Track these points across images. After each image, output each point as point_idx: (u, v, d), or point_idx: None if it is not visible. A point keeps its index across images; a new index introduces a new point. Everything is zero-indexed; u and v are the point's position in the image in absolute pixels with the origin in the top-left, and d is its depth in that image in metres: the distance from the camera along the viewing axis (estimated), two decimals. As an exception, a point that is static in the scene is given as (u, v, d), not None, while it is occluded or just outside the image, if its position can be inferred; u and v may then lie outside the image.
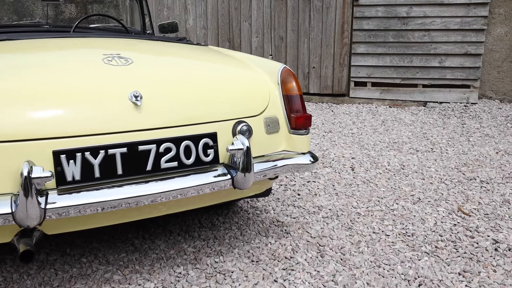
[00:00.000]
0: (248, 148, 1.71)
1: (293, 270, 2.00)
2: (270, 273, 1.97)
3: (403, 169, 3.43)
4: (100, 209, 1.51)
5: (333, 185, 3.07)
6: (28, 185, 1.37)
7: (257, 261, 2.07)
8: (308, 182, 3.12)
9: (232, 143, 1.71)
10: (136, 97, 1.62)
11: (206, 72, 1.92)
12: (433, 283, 1.89)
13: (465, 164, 3.52)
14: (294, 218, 2.54)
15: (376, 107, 5.76)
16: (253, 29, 6.23)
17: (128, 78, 1.70)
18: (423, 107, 5.74)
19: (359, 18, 5.83)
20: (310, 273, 1.97)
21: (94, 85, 1.64)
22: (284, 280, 1.92)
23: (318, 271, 1.99)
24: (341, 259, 2.09)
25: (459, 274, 1.96)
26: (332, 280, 1.92)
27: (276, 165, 1.85)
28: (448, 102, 5.79)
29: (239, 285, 1.89)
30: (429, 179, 3.19)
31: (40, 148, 1.47)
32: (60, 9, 6.66)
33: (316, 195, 2.89)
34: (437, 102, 5.84)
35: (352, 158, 3.70)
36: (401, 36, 5.77)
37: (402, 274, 1.96)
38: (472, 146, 4.06)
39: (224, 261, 2.07)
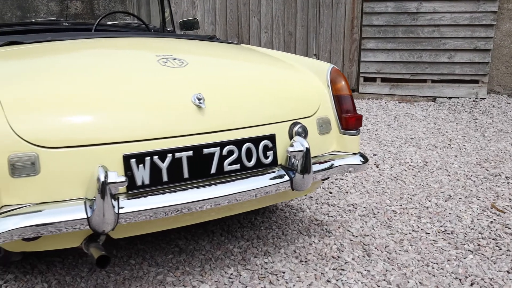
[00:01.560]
0: (308, 150, 1.71)
1: (343, 270, 2.01)
2: (321, 273, 1.99)
3: (426, 165, 3.45)
4: (169, 213, 1.50)
5: (362, 183, 3.08)
6: (105, 190, 1.36)
7: (305, 261, 2.08)
8: (336, 179, 3.13)
9: (292, 145, 1.71)
10: (199, 99, 1.61)
11: (259, 73, 1.92)
12: (484, 282, 1.92)
13: (486, 160, 3.56)
14: (332, 216, 2.56)
15: (385, 103, 5.78)
16: (262, 24, 6.21)
17: (188, 81, 1.69)
18: (432, 102, 5.78)
19: (368, 13, 5.83)
20: (361, 273, 1.99)
21: (157, 88, 1.62)
22: (337, 280, 1.93)
23: (368, 271, 2.00)
24: (388, 258, 2.10)
25: (508, 272, 1.99)
26: (384, 280, 1.93)
27: (332, 165, 1.85)
28: (457, 97, 5.84)
29: (293, 285, 1.90)
30: (455, 175, 3.22)
31: (111, 153, 1.46)
32: (65, 4, 6.56)
33: (347, 193, 2.90)
34: (446, 97, 5.88)
35: (374, 154, 3.72)
36: (410, 32, 5.80)
37: (452, 273, 1.98)
38: (488, 141, 4.10)
39: (273, 262, 2.07)
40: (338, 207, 2.69)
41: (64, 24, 3.54)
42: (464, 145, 4.00)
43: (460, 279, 1.94)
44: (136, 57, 1.88)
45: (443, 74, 5.84)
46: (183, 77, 1.71)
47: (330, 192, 2.91)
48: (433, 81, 5.90)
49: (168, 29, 3.81)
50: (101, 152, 1.45)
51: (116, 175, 1.39)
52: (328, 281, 1.93)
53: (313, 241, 2.27)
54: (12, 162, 1.36)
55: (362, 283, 1.92)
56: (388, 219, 2.52)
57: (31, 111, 1.43)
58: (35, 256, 2.06)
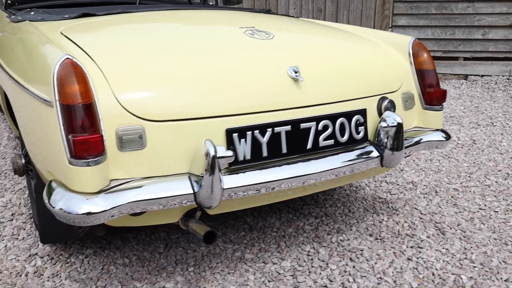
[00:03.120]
0: (401, 125, 1.66)
1: (421, 248, 1.99)
2: (400, 251, 1.96)
3: (475, 143, 3.40)
4: (270, 188, 1.46)
5: (414, 160, 3.04)
6: (215, 165, 1.32)
7: (381, 239, 2.05)
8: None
9: (384, 120, 1.66)
10: (296, 72, 1.55)
11: (344, 47, 1.86)
12: None
13: (534, 138, 3.50)
14: (394, 194, 2.52)
15: (417, 81, 5.68)
16: (290, 1, 6.07)
17: (281, 53, 1.64)
18: (464, 80, 5.68)
19: (401, -11, 5.68)
20: (440, 251, 1.96)
21: (252, 60, 1.57)
22: (418, 258, 1.91)
23: (447, 249, 1.98)
24: (464, 237, 2.08)
25: None
26: (466, 258, 1.91)
27: (419, 141, 1.80)
28: (490, 75, 5.73)
29: (375, 263, 1.87)
30: (507, 153, 3.16)
31: (214, 127, 1.42)
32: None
33: (402, 170, 2.86)
34: (478, 75, 5.77)
35: (419, 133, 3.66)
36: (444, 8, 5.65)
37: (533, 251, 1.96)
38: (531, 120, 4.03)
39: (348, 239, 2.05)
40: (397, 184, 2.66)
41: None
42: (507, 123, 3.93)
43: (543, 258, 1.91)
44: (221, 29, 1.82)
45: (476, 52, 5.72)
46: (275, 49, 1.65)
47: (386, 170, 2.87)
48: (465, 59, 5.79)
49: (210, 3, 3.73)
50: (205, 126, 1.41)
51: (224, 150, 1.35)
52: (409, 259, 1.90)
53: (383, 219, 2.24)
54: (120, 136, 1.32)
55: (443, 261, 1.89)
56: (452, 197, 2.48)
57: (135, 85, 1.38)
58: (109, 232, 2.04)
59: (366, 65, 1.80)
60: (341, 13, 5.96)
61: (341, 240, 2.04)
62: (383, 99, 1.76)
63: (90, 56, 1.44)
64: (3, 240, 1.98)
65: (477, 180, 2.71)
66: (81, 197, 1.28)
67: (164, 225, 2.15)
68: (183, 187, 1.35)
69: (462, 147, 3.31)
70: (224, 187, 1.40)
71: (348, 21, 5.96)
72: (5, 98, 2.10)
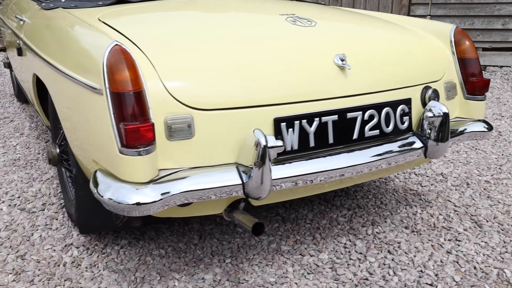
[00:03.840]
0: (447, 115, 1.62)
1: (459, 241, 1.95)
2: (438, 243, 1.93)
3: (500, 135, 3.34)
4: (319, 179, 1.43)
5: (441, 152, 2.99)
6: (265, 155, 1.29)
7: (417, 231, 2.02)
8: (414, 149, 3.04)
9: (430, 110, 1.62)
10: (342, 60, 1.51)
11: (386, 36, 1.81)
12: None
13: (561, 130, 3.44)
14: (425, 186, 2.48)
15: (435, 72, 5.61)
16: (306, -11, 5.99)
17: (326, 41, 1.59)
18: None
19: (420, -23, 5.59)
20: (479, 244, 1.93)
21: (297, 48, 1.53)
22: (457, 251, 1.87)
23: (486, 242, 1.94)
24: (502, 230, 2.04)
25: None
26: (507, 252, 1.87)
27: (463, 130, 1.76)
28: (509, 66, 5.65)
29: (414, 256, 1.84)
30: (535, 146, 3.11)
31: (262, 116, 1.39)
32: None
33: (430, 162, 2.82)
34: (497, 66, 5.69)
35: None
36: (463, -3, 5.56)
37: None
38: (555, 112, 3.97)
39: (383, 231, 2.02)
40: (427, 176, 2.62)
41: None
42: (531, 115, 3.87)
43: None
44: (262, 16, 1.78)
45: (495, 42, 5.63)
46: (319, 37, 1.60)
47: (414, 162, 2.82)
48: (484, 49, 5.70)
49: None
50: (253, 115, 1.37)
51: (274, 140, 1.31)
52: (449, 252, 1.87)
53: (416, 211, 2.20)
54: (169, 124, 1.29)
55: (484, 255, 1.86)
56: (484, 189, 2.44)
57: (183, 72, 1.35)
58: (145, 222, 2.02)
59: (410, 53, 1.76)
60: (358, 2, 5.88)
61: (377, 232, 2.01)
62: (426, 88, 1.71)
63: (134, 43, 1.40)
64: (37, 230, 1.96)
65: (508, 172, 2.67)
66: (131, 187, 1.25)
67: (196, 216, 2.12)
68: (232, 178, 1.32)
69: (488, 139, 3.26)
70: (276, 177, 1.37)
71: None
72: (36, 87, 2.07)
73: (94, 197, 1.64)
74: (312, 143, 1.46)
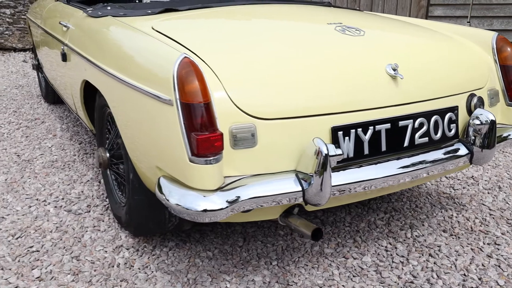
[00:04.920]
0: (494, 123, 1.65)
1: (498, 244, 1.99)
2: (478, 247, 1.97)
3: (526, 138, 3.36)
4: (373, 186, 1.48)
5: (469, 155, 3.02)
6: (327, 163, 1.34)
7: (455, 235, 2.06)
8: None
9: (477, 118, 1.66)
10: (394, 70, 1.55)
11: (432, 44, 1.84)
12: None
13: None
14: (457, 189, 2.52)
15: (453, 72, 5.62)
16: (325, -10, 6.02)
17: (376, 50, 1.63)
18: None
19: (439, -22, 5.60)
20: (518, 248, 1.96)
21: (350, 57, 1.57)
22: (497, 255, 1.91)
23: (525, 246, 1.98)
24: (539, 233, 2.07)
25: None
26: (546, 255, 1.91)
27: (507, 136, 1.80)
28: (528, 68, 5.65)
29: (455, 260, 1.88)
30: (562, 149, 3.13)
31: (321, 125, 1.43)
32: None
33: (459, 165, 2.85)
34: (515, 67, 5.69)
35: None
36: (482, -2, 5.56)
37: None
38: None
39: (422, 235, 2.06)
40: (458, 179, 2.65)
41: None
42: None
43: None
44: (312, 25, 1.82)
45: (514, 43, 5.63)
46: (369, 46, 1.65)
47: (443, 165, 2.86)
48: (502, 50, 5.70)
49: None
50: (312, 124, 1.42)
51: (335, 149, 1.36)
52: (489, 256, 1.91)
53: (452, 215, 2.24)
54: (234, 134, 1.34)
55: (524, 258, 1.90)
56: (517, 193, 2.48)
57: (246, 83, 1.40)
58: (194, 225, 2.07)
59: (455, 61, 1.79)
60: (376, 3, 5.90)
61: (416, 236, 2.06)
62: (472, 96, 1.75)
63: (196, 54, 1.45)
64: (87, 231, 2.02)
65: (538, 176, 2.70)
66: (198, 194, 1.30)
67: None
68: (293, 185, 1.37)
69: (514, 142, 3.28)
70: (335, 184, 1.41)
71: (383, 11, 5.89)
72: (83, 93, 2.13)
73: (149, 201, 1.70)
74: (366, 151, 1.51)
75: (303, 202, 1.41)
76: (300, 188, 1.38)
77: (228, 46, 1.54)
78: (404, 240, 2.02)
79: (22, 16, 6.39)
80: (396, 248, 1.97)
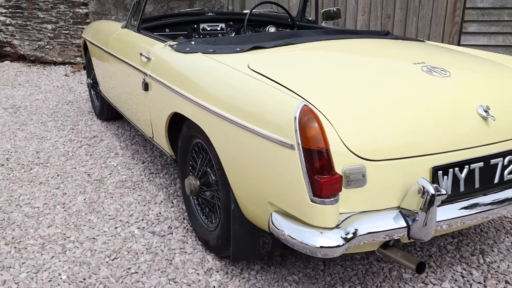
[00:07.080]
0: None
1: None
2: (550, 274, 2.04)
3: None
4: (470, 220, 1.58)
5: None
6: (433, 202, 1.44)
7: (527, 261, 2.14)
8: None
9: None
10: (486, 111, 1.65)
11: (506, 80, 1.93)
12: None
13: None
14: (518, 214, 2.59)
15: (488, 88, 5.67)
16: (359, 7, 6.12)
17: (465, 91, 1.74)
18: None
19: (474, -4, 5.67)
20: None
21: (443, 100, 1.68)
22: None
23: None
24: None
25: None
26: None
27: None
28: None
29: (531, 286, 1.97)
30: None
31: (422, 165, 1.54)
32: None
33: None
34: (550, 83, 5.73)
35: None
36: (517, 15, 5.62)
37: None
38: None
39: (495, 261, 2.14)
40: (516, 203, 2.72)
41: (209, 14, 3.60)
42: None
43: None
44: (397, 65, 1.93)
45: (549, 60, 5.67)
46: (458, 87, 1.75)
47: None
48: (537, 66, 5.75)
49: (309, 18, 3.83)
50: (415, 164, 1.53)
51: (440, 188, 1.46)
52: None
53: (518, 240, 2.32)
54: (347, 175, 1.45)
55: None
56: None
57: (353, 125, 1.51)
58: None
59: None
60: (410, 19, 5.99)
61: (489, 262, 2.14)
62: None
63: (306, 99, 1.55)
64: (175, 253, 2.14)
65: None
66: (315, 231, 1.42)
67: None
68: (399, 221, 1.48)
69: None
70: (438, 220, 1.52)
71: (417, 28, 5.98)
72: (168, 123, 2.25)
73: (247, 230, 1.82)
74: (462, 188, 1.61)
75: (407, 238, 1.51)
76: (405, 224, 1.48)
77: (332, 89, 1.65)
78: (478, 266, 2.11)
79: (64, 31, 6.60)
80: (471, 274, 2.06)
